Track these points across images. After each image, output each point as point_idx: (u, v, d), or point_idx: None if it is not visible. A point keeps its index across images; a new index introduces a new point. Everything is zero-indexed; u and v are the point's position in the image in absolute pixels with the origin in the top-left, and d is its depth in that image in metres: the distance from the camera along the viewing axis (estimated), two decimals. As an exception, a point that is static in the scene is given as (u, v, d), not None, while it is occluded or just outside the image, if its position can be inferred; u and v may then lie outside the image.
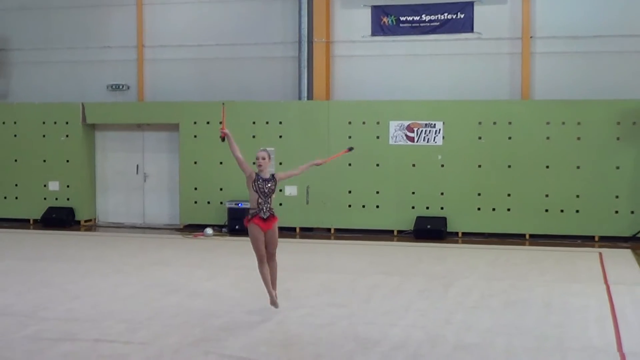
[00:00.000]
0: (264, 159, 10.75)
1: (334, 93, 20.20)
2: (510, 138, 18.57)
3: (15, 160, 21.32)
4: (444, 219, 18.78)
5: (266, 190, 10.51)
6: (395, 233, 19.11)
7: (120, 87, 21.46)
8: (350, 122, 19.23)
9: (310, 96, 19.90)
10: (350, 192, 19.31)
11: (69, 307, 11.18)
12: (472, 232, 18.83)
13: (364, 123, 19.16)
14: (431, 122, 18.87)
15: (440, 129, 18.84)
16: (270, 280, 10.55)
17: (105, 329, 9.89)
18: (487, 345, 9.27)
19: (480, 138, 18.69)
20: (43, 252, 16.22)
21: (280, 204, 19.52)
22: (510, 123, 18.54)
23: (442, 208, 18.91)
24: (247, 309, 11.08)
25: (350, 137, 19.15)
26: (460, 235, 18.83)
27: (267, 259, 10.57)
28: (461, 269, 14.42)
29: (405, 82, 19.71)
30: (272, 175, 10.67)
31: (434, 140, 18.88)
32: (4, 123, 21.32)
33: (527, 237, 18.56)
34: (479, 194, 18.74)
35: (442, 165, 18.88)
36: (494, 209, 18.70)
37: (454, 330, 9.96)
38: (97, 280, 13.22)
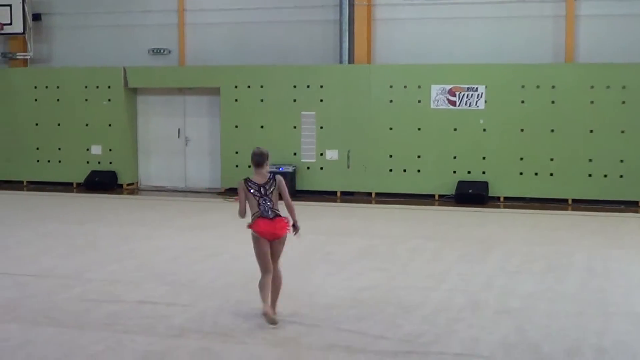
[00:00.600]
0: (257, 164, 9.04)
1: (375, 56, 20.10)
2: (553, 102, 18.39)
3: (59, 125, 21.48)
4: (486, 183, 18.69)
5: (263, 191, 8.85)
6: (437, 197, 19.05)
7: (162, 51, 21.50)
8: (391, 86, 19.15)
9: (351, 60, 19.82)
10: (391, 156, 19.26)
11: (112, 269, 11.29)
12: (513, 196, 18.72)
13: (405, 87, 19.07)
14: (473, 86, 18.74)
15: (482, 93, 18.70)
16: (270, 289, 8.79)
17: (148, 291, 9.99)
18: (529, 310, 9.25)
19: (522, 102, 18.53)
20: (86, 216, 16.37)
21: (322, 168, 19.54)
22: (553, 87, 18.36)
23: (483, 172, 18.81)
24: (288, 272, 11.09)
25: (391, 100, 19.09)
26: (501, 199, 18.74)
27: (267, 270, 8.87)
28: (502, 234, 14.37)
29: (447, 45, 19.56)
30: (273, 176, 9.01)
31: (476, 104, 18.75)
32: (47, 87, 21.46)
33: (570, 202, 18.43)
34: (521, 159, 18.62)
35: (484, 130, 18.76)
36: (536, 174, 18.58)
37: (495, 295, 9.95)
38: (140, 243, 13.33)
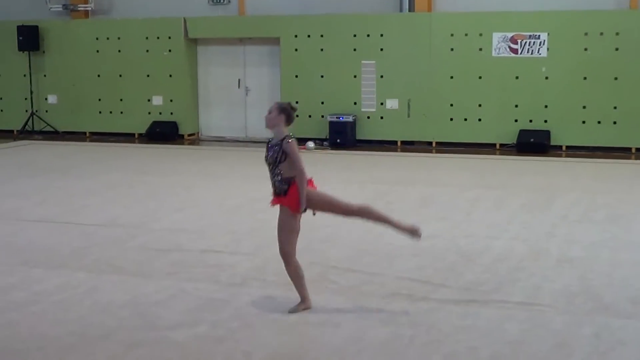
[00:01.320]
0: (269, 112, 7.35)
1: (436, 4, 19.89)
2: (617, 49, 18.09)
3: (120, 76, 21.66)
4: (548, 132, 18.51)
5: (268, 159, 7.40)
6: (498, 146, 18.93)
7: (222, 1, 21.50)
8: (452, 34, 18.97)
9: (412, 8, 19.64)
10: (452, 105, 19.14)
11: (175, 218, 11.43)
12: (576, 145, 18.52)
13: (466, 35, 18.88)
14: (535, 34, 18.49)
15: (544, 40, 18.45)
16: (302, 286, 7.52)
17: (211, 240, 10.11)
18: (592, 259, 9.20)
19: (586, 49, 18.26)
20: (148, 166, 16.55)
21: (382, 118, 19.50)
22: (617, 34, 18.04)
23: (545, 121, 18.62)
24: (349, 221, 11.14)
25: (452, 49, 18.93)
26: (563, 148, 18.56)
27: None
28: (564, 183, 14.26)
29: (506, -8, 19.31)
30: (281, 141, 7.25)
31: (538, 52, 18.52)
32: (108, 39, 21.62)
33: (633, 150, 18.19)
34: (584, 107, 18.38)
35: (547, 78, 18.53)
36: (599, 122, 18.35)
37: (557, 244, 9.91)
38: (202, 193, 13.46)
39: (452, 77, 19.02)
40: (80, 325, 7.09)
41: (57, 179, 14.90)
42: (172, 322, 7.18)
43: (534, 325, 7.05)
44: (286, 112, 7.32)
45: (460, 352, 6.43)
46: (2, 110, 22.84)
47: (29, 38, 21.87)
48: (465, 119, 19.09)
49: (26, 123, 22.18)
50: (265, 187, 13.57)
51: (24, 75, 22.38)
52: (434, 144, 19.38)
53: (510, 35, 18.61)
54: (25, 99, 22.42)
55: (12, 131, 22.51)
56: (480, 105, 18.96)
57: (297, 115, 7.52)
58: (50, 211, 11.97)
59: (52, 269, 8.86)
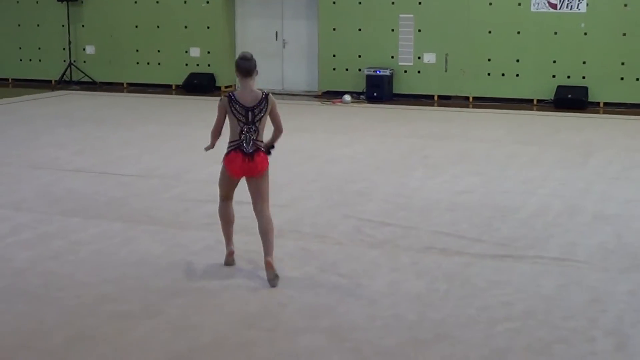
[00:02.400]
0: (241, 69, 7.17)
1: (475, -42, 19.70)
2: (658, 5, 17.86)
3: (158, 27, 21.67)
4: (585, 88, 18.33)
5: (250, 117, 7.16)
6: (535, 102, 18.79)
7: (260, -48, 21.43)
8: (491, -12, 18.82)
9: (450, -39, 19.48)
10: (489, 60, 18.99)
11: (211, 170, 11.41)
12: (614, 102, 18.34)
13: (505, -11, 18.72)
14: (575, -12, 18.29)
15: (584, -4, 18.25)
16: (231, 230, 7.55)
17: (246, 192, 10.10)
18: (628, 216, 9.16)
19: (625, 5, 18.01)
20: (185, 118, 16.59)
21: (419, 72, 19.41)
22: (659, -11, 17.80)
23: (583, 77, 18.44)
24: (385, 175, 11.18)
25: (490, 3, 18.75)
26: (601, 105, 18.38)
27: (255, 211, 7.37)
28: (601, 140, 14.15)
29: (550, -54, 19.06)
30: (266, 96, 7.20)
31: (577, 7, 18.29)
32: (146, -10, 21.65)
33: (673, 108, 18.02)
34: (623, 63, 18.17)
35: (585, 34, 18.32)
36: (637, 79, 18.13)
37: (593, 200, 9.87)
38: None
39: (490, 32, 18.85)
40: (117, 274, 7.18)
41: (94, 129, 15.00)
42: (208, 272, 7.25)
43: (568, 281, 7.05)
44: (235, 66, 7.22)
45: (495, 307, 6.45)
46: (40, 60, 22.96)
47: (68, -12, 21.93)
48: (503, 74, 18.95)
49: (64, 73, 22.29)
50: (300, 140, 13.65)
51: (62, 26, 22.45)
52: (471, 99, 19.27)
53: (550, -11, 18.41)
54: (64, 49, 22.52)
55: (50, 81, 22.64)
56: (518, 61, 18.80)
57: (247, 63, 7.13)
58: (87, 161, 12.07)
59: (89, 219, 8.96)
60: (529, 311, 6.37)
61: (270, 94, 7.24)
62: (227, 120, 7.26)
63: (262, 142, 7.30)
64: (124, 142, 13.63)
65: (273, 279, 6.90)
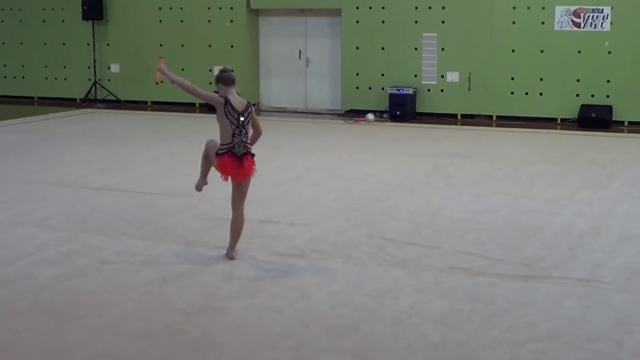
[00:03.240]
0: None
1: (499, -23, 19.69)
2: (683, 23, 17.78)
3: (182, 46, 21.76)
4: (610, 107, 18.24)
5: (241, 121, 8.00)
6: (559, 121, 18.71)
7: (283, -28, 21.50)
8: (514, 7, 18.74)
9: (474, -20, 19.49)
10: (513, 78, 18.95)
11: (234, 188, 11.49)
12: (638, 121, 18.23)
13: (528, 8, 18.65)
14: (598, 7, 18.20)
15: (607, 14, 18.16)
16: (207, 170, 8.52)
17: (270, 211, 10.16)
18: (653, 236, 9.11)
19: (651, 23, 17.96)
20: (208, 136, 16.54)
21: (442, 90, 19.39)
22: (684, 8, 17.73)
23: (607, 96, 18.36)
24: (409, 194, 11.15)
25: (514, 22, 18.72)
26: (626, 124, 18.28)
27: (232, 207, 8.24)
28: (626, 159, 14.07)
29: (574, -36, 19.02)
30: (249, 103, 8.17)
31: (601, 26, 18.24)
32: (170, 9, 21.72)
33: (698, 127, 17.91)
34: (648, 82, 18.12)
35: (609, 52, 18.25)
36: (663, 98, 18.08)
37: (618, 220, 9.80)
38: (261, 163, 13.42)
39: (513, 51, 18.82)
40: (140, 293, 7.19)
41: (118, 147, 15.07)
42: (231, 291, 7.25)
43: (593, 302, 7.00)
44: (217, 79, 8.17)
45: (519, 328, 6.41)
46: (65, 79, 23.11)
47: (94, 7, 22.05)
48: (527, 93, 18.90)
49: (89, 92, 22.42)
50: (322, 158, 13.66)
51: (88, 44, 22.60)
52: (494, 118, 19.22)
53: (573, 8, 18.34)
54: (89, 67, 22.66)
55: (75, 99, 22.78)
56: (541, 80, 18.75)
57: (231, 73, 8.25)
58: (111, 179, 12.12)
59: (113, 237, 8.98)
60: (553, 332, 6.32)
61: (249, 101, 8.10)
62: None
63: (249, 144, 8.11)
64: (148, 161, 13.68)
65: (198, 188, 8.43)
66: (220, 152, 7.95)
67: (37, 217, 9.86)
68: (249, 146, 8.06)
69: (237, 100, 7.98)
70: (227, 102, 7.92)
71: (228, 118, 7.84)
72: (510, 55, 18.85)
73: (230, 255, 8.16)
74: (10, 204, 10.49)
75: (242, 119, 7.91)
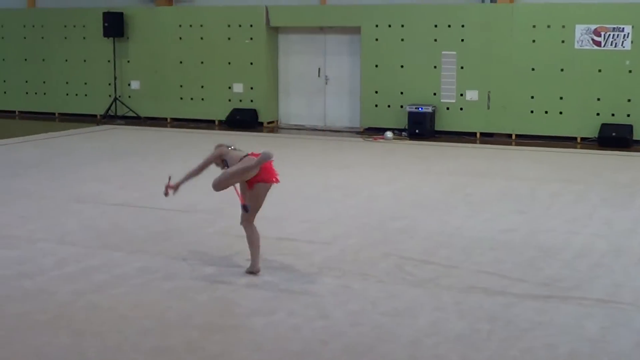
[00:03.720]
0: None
1: (519, -4, 19.69)
2: None
3: (202, 63, 21.84)
4: (630, 126, 18.18)
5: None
6: (579, 140, 18.65)
7: (303, -10, 21.56)
8: (534, 26, 18.73)
9: (493, -1, 19.50)
10: (532, 97, 18.91)
11: (253, 206, 11.50)
12: (659, 140, 18.20)
13: (548, 27, 18.63)
14: (619, 26, 18.17)
15: (628, 33, 18.12)
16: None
17: (288, 228, 10.16)
18: (674, 257, 9.05)
19: (672, 43, 17.91)
20: (228, 153, 16.59)
21: (461, 109, 19.37)
22: None
23: (628, 115, 18.30)
24: (427, 213, 11.13)
25: (534, 40, 18.70)
26: (646, 143, 18.25)
27: (252, 221, 8.56)
28: (647, 179, 14.01)
29: (594, -16, 19.00)
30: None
31: (621, 44, 18.20)
32: (190, 26, 21.82)
33: None
34: (669, 102, 18.05)
35: (630, 71, 18.20)
36: (684, 117, 18.00)
37: (639, 241, 9.74)
38: (279, 180, 13.48)
39: (533, 69, 18.79)
40: (159, 309, 7.20)
41: (138, 163, 15.12)
42: (249, 309, 7.24)
43: (614, 323, 6.96)
44: (218, 159, 8.87)
45: (538, 349, 6.38)
46: (86, 95, 23.23)
47: (114, 24, 22.19)
48: (546, 112, 18.85)
49: (109, 108, 22.53)
50: (341, 176, 13.66)
51: (108, 61, 22.73)
52: (513, 137, 19.18)
53: (593, 27, 18.32)
54: (109, 84, 22.78)
55: (95, 116, 22.89)
56: (561, 98, 18.70)
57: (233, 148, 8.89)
58: (130, 195, 12.16)
59: (132, 253, 9.01)
60: (573, 354, 6.29)
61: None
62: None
63: None
64: (167, 177, 13.67)
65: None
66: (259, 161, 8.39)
67: (56, 232, 9.90)
68: None
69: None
70: (225, 163, 8.72)
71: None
72: (530, 74, 18.83)
73: (256, 268, 8.25)
74: (30, 220, 10.54)
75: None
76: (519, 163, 15.66)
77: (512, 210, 11.27)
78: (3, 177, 13.51)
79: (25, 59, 23.86)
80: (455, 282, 8.04)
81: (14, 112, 24.16)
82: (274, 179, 8.53)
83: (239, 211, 10.95)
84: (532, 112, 18.93)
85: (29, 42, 23.78)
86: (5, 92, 24.29)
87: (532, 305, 7.37)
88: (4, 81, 24.24)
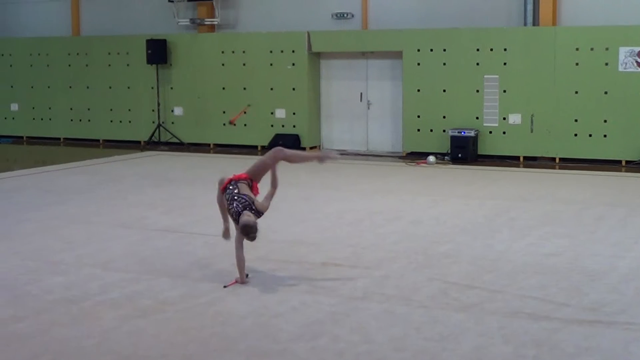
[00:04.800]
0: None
1: (561, 18, 19.59)
2: None
3: (244, 89, 21.98)
4: (676, 149, 18.04)
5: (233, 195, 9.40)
6: (623, 163, 18.50)
7: (345, 15, 21.62)
8: (577, 49, 18.65)
9: (535, 22, 19.41)
10: (576, 120, 18.80)
11: (295, 230, 11.54)
12: None
13: (592, 49, 18.54)
14: (664, 48, 18.09)
15: (673, 55, 18.02)
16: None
17: (331, 253, 10.17)
18: None
19: None
20: (268, 177, 16.64)
21: (504, 133, 19.30)
22: None
23: (674, 138, 18.16)
24: (471, 237, 11.09)
25: (577, 63, 18.61)
26: (693, 166, 18.06)
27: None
28: (694, 202, 13.86)
29: (637, 5, 18.86)
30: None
31: (666, 66, 18.09)
32: (233, 52, 21.98)
33: None
34: None
35: (675, 93, 18.08)
36: None
37: (686, 265, 9.64)
38: (323, 205, 13.54)
39: (576, 92, 18.70)
40: (203, 334, 7.23)
41: (181, 189, 15.22)
42: (293, 334, 7.25)
43: (661, 348, 6.88)
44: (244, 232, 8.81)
45: (584, 374, 6.32)
46: (130, 122, 23.47)
47: (158, 51, 22.42)
48: (590, 135, 18.73)
49: (153, 134, 22.74)
50: (384, 201, 13.66)
51: (152, 88, 22.96)
52: (557, 160, 19.07)
53: (637, 49, 18.19)
54: (153, 110, 23.00)
55: (139, 142, 23.12)
56: (605, 121, 18.57)
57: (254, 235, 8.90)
58: (174, 221, 12.24)
59: (176, 278, 9.06)
60: (620, 379, 6.22)
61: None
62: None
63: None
64: (211, 202, 13.68)
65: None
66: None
67: (101, 258, 9.99)
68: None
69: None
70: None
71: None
72: (573, 97, 18.73)
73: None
74: (77, 245, 10.65)
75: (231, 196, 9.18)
76: (563, 187, 15.55)
77: (557, 234, 11.20)
78: (50, 204, 13.66)
79: (70, 86, 24.19)
80: (500, 307, 7.99)
81: (59, 139, 24.47)
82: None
83: (279, 237, 11.04)
84: (575, 135, 18.82)
85: (73, 69, 24.11)
86: (50, 119, 24.62)
87: (577, 330, 7.31)
88: (49, 108, 24.58)
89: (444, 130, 19.74)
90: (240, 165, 18.64)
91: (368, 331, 7.25)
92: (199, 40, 22.63)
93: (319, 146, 21.80)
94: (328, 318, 7.65)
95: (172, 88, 22.88)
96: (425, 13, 20.71)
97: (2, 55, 25.27)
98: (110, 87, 23.65)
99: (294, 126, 21.51)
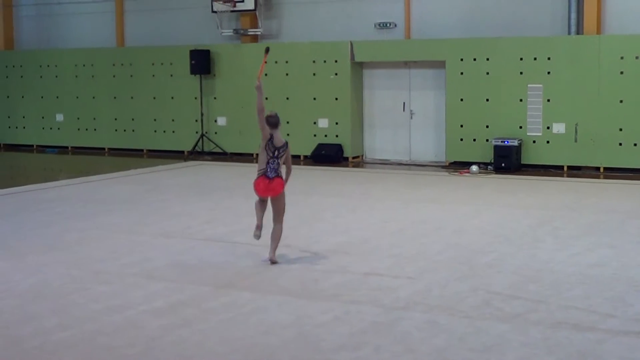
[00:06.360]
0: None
1: (605, 27, 19.43)
2: None
3: (287, 99, 22.05)
4: None
5: (275, 153, 10.00)
6: (669, 173, 18.34)
7: (388, 25, 21.62)
8: (622, 57, 18.49)
9: (580, 31, 19.28)
10: (621, 129, 18.64)
11: (339, 240, 11.54)
12: None
13: (637, 58, 18.37)
14: None
15: None
16: (262, 213, 10.20)
17: (374, 263, 10.16)
18: None
19: None
20: (313, 188, 16.73)
21: (548, 142, 19.18)
22: None
23: None
24: (514, 247, 11.03)
25: (622, 72, 18.46)
26: None
27: (273, 221, 10.23)
28: None
29: (683, 14, 18.70)
30: (286, 143, 10.14)
31: None
32: (276, 62, 22.03)
33: None
34: None
35: None
36: None
37: None
38: (365, 215, 13.54)
39: (621, 101, 18.53)
40: (245, 344, 7.25)
41: (225, 198, 15.29)
42: (336, 344, 7.25)
43: None
44: (265, 120, 9.96)
45: (629, 385, 6.26)
46: (173, 132, 23.63)
47: (201, 62, 22.57)
48: (635, 144, 18.55)
49: (196, 144, 22.88)
50: (427, 210, 13.64)
51: (195, 98, 23.11)
52: (601, 170, 18.91)
53: (684, 58, 18.03)
54: (196, 120, 23.14)
55: (183, 152, 23.26)
56: (651, 130, 18.42)
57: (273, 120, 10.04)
58: (218, 230, 12.30)
59: (219, 288, 9.10)
60: (666, 391, 6.16)
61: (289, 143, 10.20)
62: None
63: (280, 173, 10.03)
64: (253, 212, 13.79)
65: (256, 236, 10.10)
66: (258, 174, 10.01)
67: (145, 267, 10.06)
68: (279, 173, 10.02)
69: (278, 139, 10.01)
70: (271, 138, 9.94)
71: (266, 150, 9.94)
72: (618, 106, 18.57)
73: (272, 258, 10.09)
74: (120, 255, 10.73)
75: (276, 153, 9.96)
76: (608, 196, 15.43)
77: (602, 244, 11.11)
78: (95, 214, 13.79)
79: (115, 97, 24.42)
80: (544, 318, 7.94)
81: (104, 148, 24.71)
82: (267, 193, 10.09)
83: (323, 247, 11.08)
84: (620, 144, 18.66)
85: (118, 80, 24.34)
86: (95, 129, 24.86)
87: (623, 341, 7.24)
88: (94, 119, 24.83)
89: (487, 140, 19.65)
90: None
91: (411, 341, 7.24)
92: (242, 51, 22.74)
93: (362, 156, 21.80)
94: (371, 328, 7.65)
95: (215, 98, 23.02)
96: (468, 22, 20.65)
97: (48, 66, 25.58)
98: (154, 98, 23.84)
99: (337, 136, 21.53)
